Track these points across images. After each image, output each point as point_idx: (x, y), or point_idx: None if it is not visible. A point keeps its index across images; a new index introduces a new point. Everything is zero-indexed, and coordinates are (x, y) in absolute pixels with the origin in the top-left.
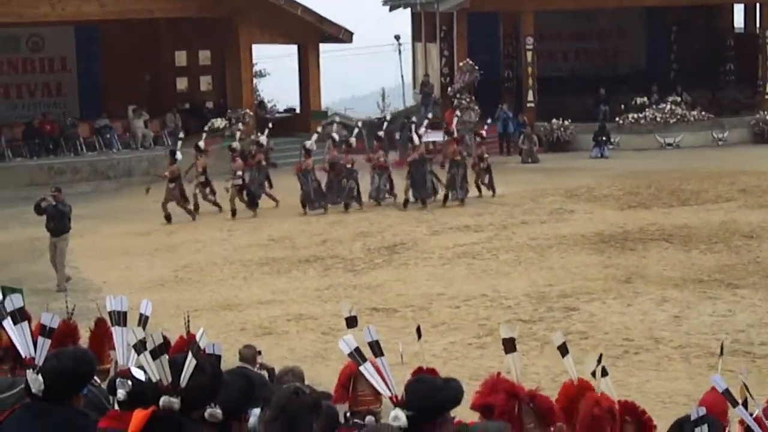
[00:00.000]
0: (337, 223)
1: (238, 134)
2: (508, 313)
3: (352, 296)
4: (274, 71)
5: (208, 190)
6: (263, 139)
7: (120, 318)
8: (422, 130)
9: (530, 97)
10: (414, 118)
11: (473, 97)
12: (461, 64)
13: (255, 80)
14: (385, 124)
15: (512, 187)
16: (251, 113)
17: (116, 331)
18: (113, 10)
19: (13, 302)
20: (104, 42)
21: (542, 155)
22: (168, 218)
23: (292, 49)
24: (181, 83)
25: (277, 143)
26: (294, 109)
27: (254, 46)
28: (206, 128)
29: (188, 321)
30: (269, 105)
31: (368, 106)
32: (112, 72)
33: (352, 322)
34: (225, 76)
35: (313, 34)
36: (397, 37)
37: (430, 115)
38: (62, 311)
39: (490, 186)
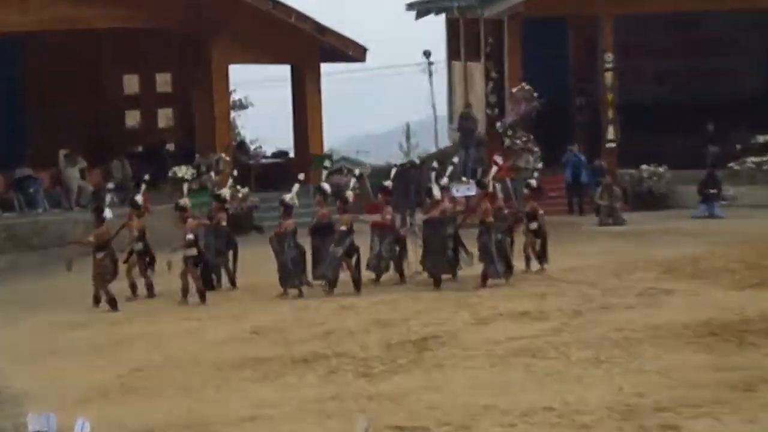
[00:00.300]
0: (345, 308)
1: (210, 187)
2: None
3: (366, 409)
4: (259, 101)
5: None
6: (225, 192)
7: None
8: (445, 180)
9: (610, 134)
10: (454, 162)
11: (531, 135)
12: (515, 90)
13: (233, 114)
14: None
15: (587, 259)
16: (227, 158)
17: None
18: (38, 19)
19: None
20: (27, 62)
21: (627, 214)
22: (97, 300)
23: (284, 71)
24: (132, 118)
25: (264, 199)
26: (286, 153)
27: (232, 68)
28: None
29: None
30: (253, 147)
31: (388, 147)
32: (38, 103)
33: None
34: (192, 107)
35: (311, 50)
36: (427, 54)
37: (455, 160)
38: None
39: (542, 256)
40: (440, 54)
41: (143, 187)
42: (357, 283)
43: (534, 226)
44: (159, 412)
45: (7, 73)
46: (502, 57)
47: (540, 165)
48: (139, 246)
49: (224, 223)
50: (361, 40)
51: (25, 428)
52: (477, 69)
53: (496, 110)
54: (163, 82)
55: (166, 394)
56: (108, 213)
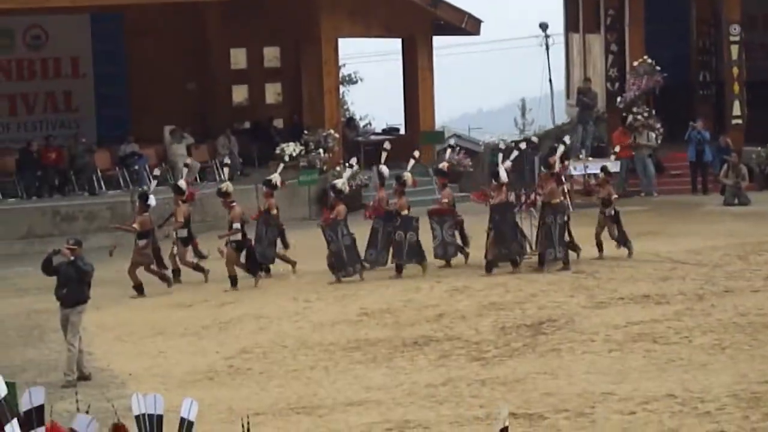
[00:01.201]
0: (457, 290)
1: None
2: (705, 421)
3: (480, 395)
4: (368, 76)
5: (189, 248)
6: (276, 177)
7: (153, 425)
8: (508, 163)
9: (736, 110)
10: (567, 140)
11: (653, 111)
12: (636, 63)
13: (342, 89)
14: (523, 148)
15: (710, 240)
16: (337, 135)
17: None
18: None
19: (32, 398)
20: (132, 37)
21: (753, 194)
22: (139, 289)
23: (395, 44)
24: (239, 93)
25: (372, 178)
26: (397, 130)
27: (342, 41)
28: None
29: (248, 430)
30: (362, 124)
31: (503, 124)
32: (143, 78)
33: None
34: (300, 83)
35: (424, 23)
36: (544, 27)
37: (567, 140)
38: (70, 414)
39: (622, 241)
40: (557, 26)
41: (185, 171)
42: (399, 268)
43: (610, 211)
44: (267, 395)
45: (112, 46)
46: (623, 29)
47: (659, 142)
48: (183, 233)
49: (275, 212)
50: (474, 13)
51: (129, 411)
52: (596, 42)
53: (617, 85)
54: (271, 56)
55: (274, 376)
56: (152, 200)
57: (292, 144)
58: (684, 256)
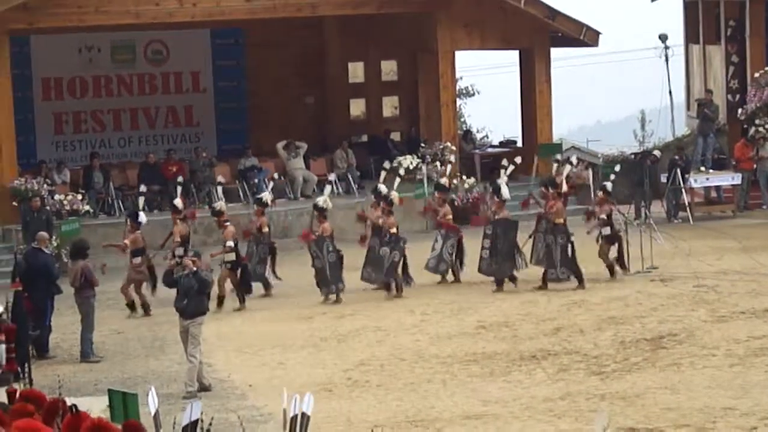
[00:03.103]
0: (575, 304)
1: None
2: None
3: (599, 410)
4: (485, 89)
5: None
6: (267, 196)
7: (302, 425)
8: (505, 178)
9: None
10: (574, 160)
11: None
12: (757, 74)
13: (459, 101)
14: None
15: None
16: (453, 148)
17: None
18: (264, 5)
19: (192, 412)
20: (252, 51)
21: None
22: (131, 306)
23: (511, 56)
24: (357, 107)
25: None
26: (514, 142)
27: (459, 54)
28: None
29: None
30: (479, 136)
31: (621, 136)
32: (262, 92)
33: None
34: (417, 96)
35: (541, 35)
36: (663, 38)
37: (574, 160)
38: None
39: (620, 261)
40: (677, 38)
41: (179, 190)
42: (399, 286)
43: (607, 231)
44: (384, 407)
45: (231, 63)
46: (744, 40)
47: None
48: (180, 251)
49: (266, 229)
50: (593, 24)
51: (249, 420)
52: (717, 53)
53: (737, 96)
54: (389, 70)
55: (392, 389)
56: (143, 217)
57: (409, 157)
58: None
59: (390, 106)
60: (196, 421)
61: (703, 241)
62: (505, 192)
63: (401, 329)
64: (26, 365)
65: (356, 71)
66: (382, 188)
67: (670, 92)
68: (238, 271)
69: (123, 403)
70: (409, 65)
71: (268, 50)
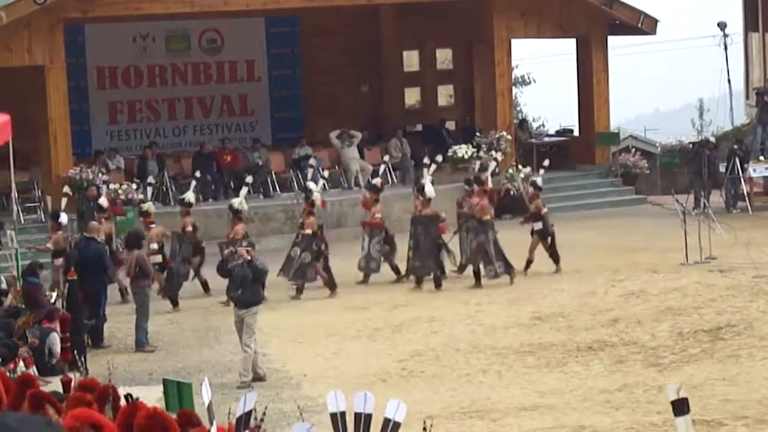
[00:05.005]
0: (633, 294)
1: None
2: None
3: (657, 402)
4: (541, 77)
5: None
6: (190, 196)
7: (361, 424)
8: (429, 177)
9: None
10: (498, 157)
11: None
12: None
13: (515, 90)
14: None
15: None
16: (509, 137)
17: None
18: None
19: (247, 402)
20: (306, 39)
21: None
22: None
23: (568, 45)
24: (412, 96)
25: (547, 180)
26: (571, 131)
27: (515, 42)
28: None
29: None
30: (535, 125)
31: (680, 125)
32: (317, 81)
33: (681, 407)
34: (473, 85)
35: (599, 23)
36: (722, 26)
37: (498, 156)
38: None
39: (553, 255)
40: (736, 25)
41: (104, 189)
42: (331, 284)
43: (539, 226)
44: (439, 398)
45: (286, 51)
46: None
47: None
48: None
49: (189, 229)
50: (651, 12)
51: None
52: None
53: None
54: (444, 58)
55: (447, 379)
56: (63, 218)
57: (464, 146)
58: None
59: (445, 95)
60: (250, 412)
61: (762, 232)
62: (429, 190)
63: (456, 320)
64: (82, 355)
65: (411, 60)
66: (312, 186)
67: (728, 81)
68: (164, 274)
69: (177, 392)
70: (464, 54)
71: (322, 38)
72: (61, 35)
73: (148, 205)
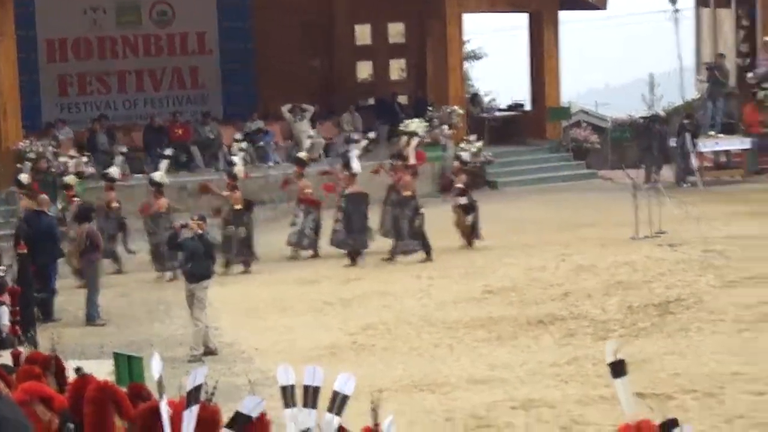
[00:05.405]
0: (584, 269)
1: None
2: None
3: (606, 375)
4: (493, 52)
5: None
6: (70, 179)
7: (310, 397)
8: (356, 152)
9: None
10: (421, 133)
11: None
12: (767, 38)
13: (467, 65)
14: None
15: None
16: (461, 111)
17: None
18: None
19: (197, 376)
20: (258, 12)
21: None
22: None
23: (520, 19)
24: (364, 70)
25: (498, 154)
26: (522, 105)
27: (466, 17)
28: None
29: (376, 406)
30: (486, 100)
31: (630, 100)
32: (269, 54)
33: (618, 368)
34: (425, 59)
35: None
36: (673, 1)
37: (421, 133)
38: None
39: (474, 231)
40: (687, 0)
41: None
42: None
43: (464, 201)
44: (390, 372)
45: (239, 22)
46: (754, 3)
47: None
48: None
49: (115, 204)
50: None
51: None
52: (727, 16)
53: (747, 60)
54: (396, 32)
55: (398, 353)
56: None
57: (416, 120)
58: None
59: (397, 68)
60: (200, 386)
61: (711, 206)
62: (355, 166)
63: (407, 294)
64: (32, 328)
65: (363, 34)
66: (234, 159)
67: (679, 56)
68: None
69: (128, 366)
70: (416, 27)
71: (275, 11)
72: (10, 7)
73: (70, 178)
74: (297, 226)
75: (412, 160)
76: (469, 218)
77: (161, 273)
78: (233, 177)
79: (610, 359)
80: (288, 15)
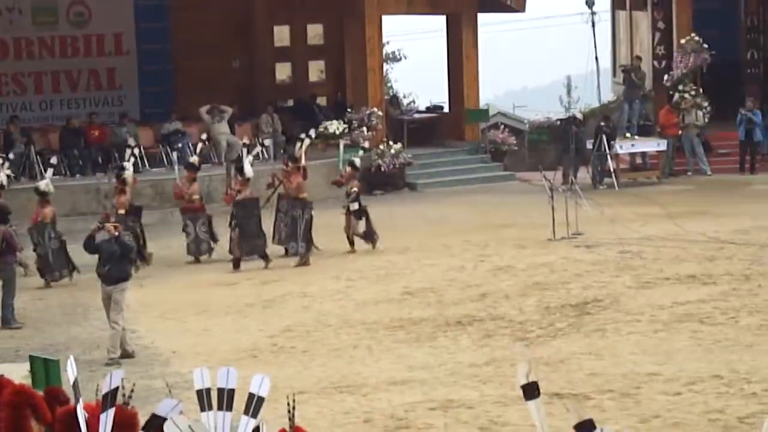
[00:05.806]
0: (502, 270)
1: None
2: (751, 402)
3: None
4: (412, 54)
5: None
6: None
7: (224, 400)
8: (250, 158)
9: None
10: (312, 134)
11: (700, 89)
12: (683, 41)
13: (386, 66)
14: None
15: (758, 220)
16: (380, 113)
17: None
18: None
19: (113, 380)
20: (176, 13)
21: None
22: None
23: (440, 21)
24: (283, 71)
25: (417, 156)
26: (441, 107)
27: (385, 19)
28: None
29: (292, 408)
30: (406, 101)
31: (548, 101)
32: (187, 55)
33: (530, 390)
34: (344, 61)
35: (469, 1)
36: (590, 3)
37: (312, 133)
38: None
39: (368, 235)
40: (604, 3)
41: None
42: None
43: (355, 206)
44: (310, 373)
45: (156, 23)
46: (671, 6)
47: (706, 120)
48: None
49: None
50: None
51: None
52: (643, 19)
53: (663, 63)
54: (315, 34)
55: (317, 355)
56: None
57: (335, 122)
58: (731, 236)
59: (316, 70)
60: (117, 388)
61: (628, 208)
62: (248, 170)
63: (326, 295)
64: None
65: (282, 35)
66: (125, 165)
67: (596, 58)
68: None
69: (44, 369)
70: (335, 29)
71: (192, 12)
72: None
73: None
74: (191, 235)
75: (303, 162)
76: (361, 223)
77: (49, 283)
78: (122, 181)
79: (522, 381)
80: (206, 16)
